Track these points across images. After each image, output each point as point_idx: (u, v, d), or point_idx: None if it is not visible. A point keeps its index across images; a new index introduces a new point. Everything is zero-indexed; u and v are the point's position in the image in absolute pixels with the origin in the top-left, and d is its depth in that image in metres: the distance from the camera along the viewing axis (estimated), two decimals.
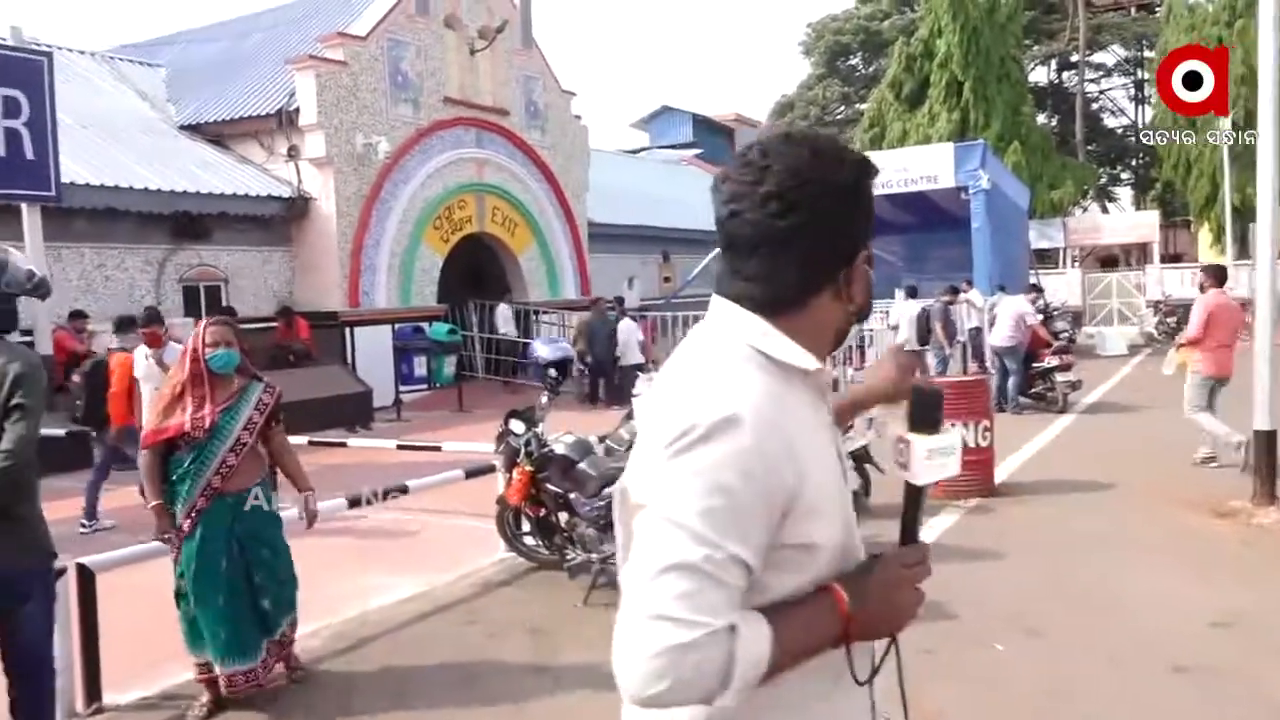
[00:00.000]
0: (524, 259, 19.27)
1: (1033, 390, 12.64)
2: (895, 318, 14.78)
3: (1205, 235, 32.26)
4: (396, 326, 15.98)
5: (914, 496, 1.37)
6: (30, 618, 3.18)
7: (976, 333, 16.62)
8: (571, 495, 5.35)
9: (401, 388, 15.35)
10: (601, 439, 7.58)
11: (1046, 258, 31.79)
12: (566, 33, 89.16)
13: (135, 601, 4.95)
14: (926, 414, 1.36)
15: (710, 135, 40.94)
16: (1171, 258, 34.58)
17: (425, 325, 16.38)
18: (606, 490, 5.03)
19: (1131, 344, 21.90)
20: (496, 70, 18.43)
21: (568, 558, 5.50)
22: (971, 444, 7.62)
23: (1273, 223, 6.73)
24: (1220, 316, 8.21)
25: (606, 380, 15.43)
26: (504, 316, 18.01)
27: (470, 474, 6.31)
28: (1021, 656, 4.51)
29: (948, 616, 4.85)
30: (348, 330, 15.32)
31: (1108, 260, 34.61)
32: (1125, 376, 16.57)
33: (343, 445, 8.33)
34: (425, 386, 16.29)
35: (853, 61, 46.89)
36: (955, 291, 14.66)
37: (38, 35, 15.03)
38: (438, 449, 7.56)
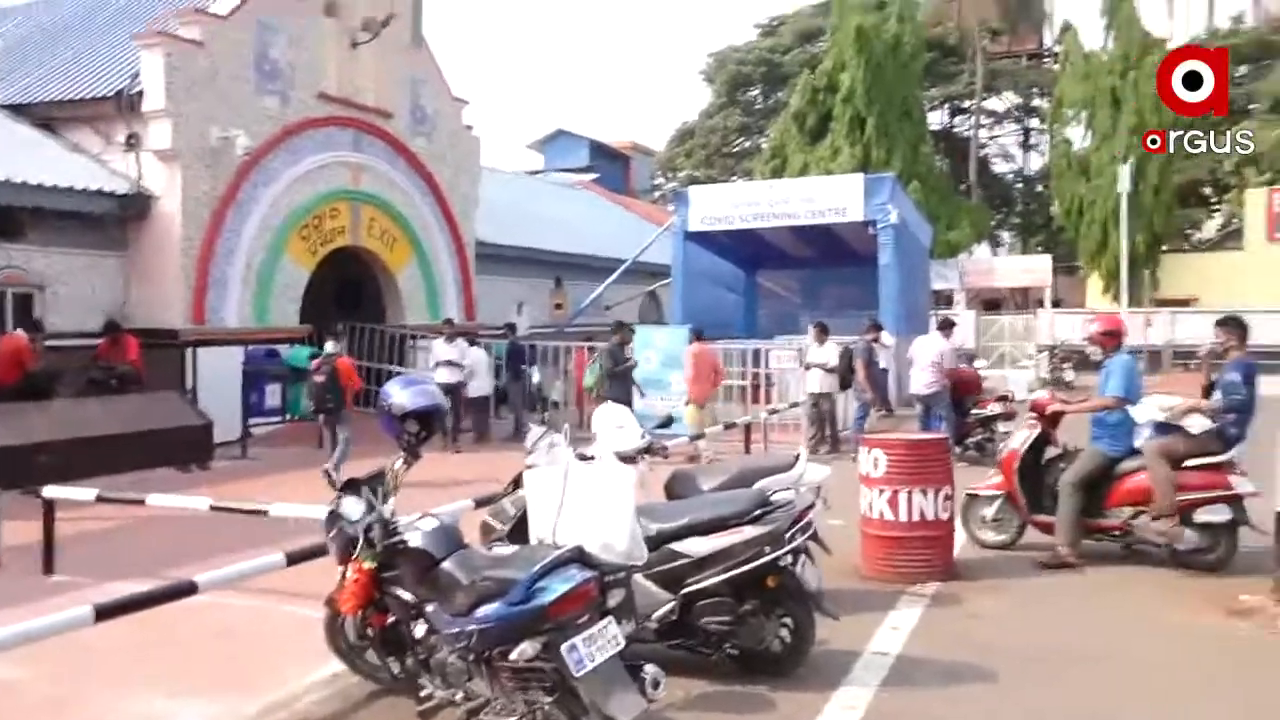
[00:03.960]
0: (402, 277, 17.40)
1: (969, 440, 11.39)
2: (816, 356, 12.79)
3: (1096, 282, 32.71)
4: (249, 349, 13.91)
5: None
6: None
7: (884, 374, 15.73)
8: (429, 607, 3.71)
9: (252, 420, 13.31)
10: (480, 503, 6.01)
11: (940, 299, 31.80)
12: (460, 48, 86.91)
13: None
14: None
15: (607, 161, 39.97)
16: (1054, 303, 35.07)
17: (284, 348, 14.39)
18: (481, 610, 3.40)
19: (1030, 388, 21.37)
20: (381, 68, 16.62)
21: (422, 690, 3.85)
22: (931, 515, 6.32)
23: None
24: None
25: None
26: (443, 353, 14.04)
27: (294, 560, 4.60)
28: None
29: None
30: (190, 352, 13.19)
31: (991, 303, 34.84)
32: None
33: (140, 503, 6.43)
34: (280, 419, 14.24)
35: (753, 93, 46.58)
36: (878, 328, 13.46)
37: None
38: (264, 513, 5.78)
